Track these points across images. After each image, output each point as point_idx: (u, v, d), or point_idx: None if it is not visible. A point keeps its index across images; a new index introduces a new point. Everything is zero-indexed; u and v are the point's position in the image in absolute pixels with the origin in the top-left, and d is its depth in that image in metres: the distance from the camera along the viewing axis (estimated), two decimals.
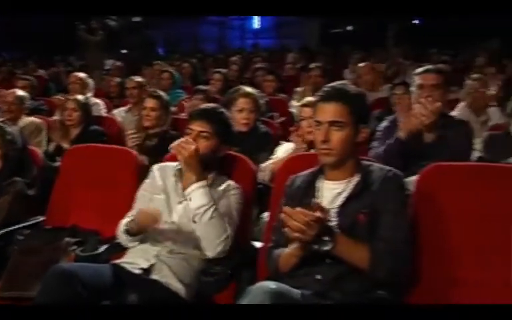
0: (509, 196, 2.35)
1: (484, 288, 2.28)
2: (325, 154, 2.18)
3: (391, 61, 8.56)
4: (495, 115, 4.41)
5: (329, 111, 2.15)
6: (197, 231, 2.49)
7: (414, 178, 2.55)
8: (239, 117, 3.70)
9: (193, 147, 2.51)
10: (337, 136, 2.15)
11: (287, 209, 2.01)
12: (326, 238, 2.02)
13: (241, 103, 3.75)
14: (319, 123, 2.18)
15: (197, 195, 2.50)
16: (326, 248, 2.03)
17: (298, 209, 1.99)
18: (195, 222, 2.48)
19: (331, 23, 15.15)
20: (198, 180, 2.52)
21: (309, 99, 3.47)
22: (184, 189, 2.59)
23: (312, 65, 6.29)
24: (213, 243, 2.46)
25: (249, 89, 3.92)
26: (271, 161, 3.41)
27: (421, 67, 3.35)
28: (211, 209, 2.47)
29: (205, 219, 2.46)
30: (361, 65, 6.20)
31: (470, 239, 2.35)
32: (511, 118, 3.22)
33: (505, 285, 2.25)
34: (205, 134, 2.56)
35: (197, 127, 2.57)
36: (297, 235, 1.99)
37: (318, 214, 1.99)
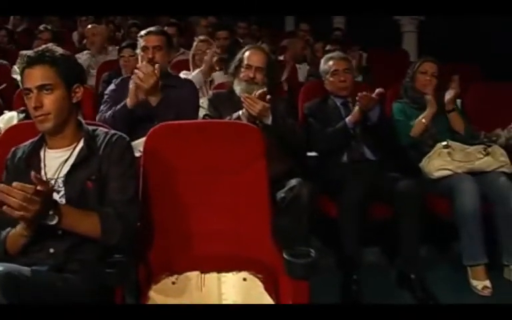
0: (233, 149, 2.51)
1: (219, 239, 2.40)
2: (41, 120, 2.09)
3: (121, 23, 8.46)
4: (219, 76, 4.62)
5: (36, 75, 2.06)
6: None
7: (142, 140, 2.57)
8: None
9: None
10: (49, 99, 2.06)
11: (2, 186, 1.85)
12: (51, 212, 1.94)
13: None
14: (28, 90, 2.08)
15: None
16: (52, 222, 1.95)
17: (15, 183, 1.85)
18: None
19: None
20: None
21: None
22: None
23: (40, 27, 5.99)
24: None
25: None
26: None
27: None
28: None
29: None
30: (89, 27, 6.06)
31: (201, 192, 2.46)
32: (232, 77, 3.40)
33: (239, 235, 2.41)
34: None
35: None
36: (18, 213, 1.86)
37: (39, 187, 1.88)
